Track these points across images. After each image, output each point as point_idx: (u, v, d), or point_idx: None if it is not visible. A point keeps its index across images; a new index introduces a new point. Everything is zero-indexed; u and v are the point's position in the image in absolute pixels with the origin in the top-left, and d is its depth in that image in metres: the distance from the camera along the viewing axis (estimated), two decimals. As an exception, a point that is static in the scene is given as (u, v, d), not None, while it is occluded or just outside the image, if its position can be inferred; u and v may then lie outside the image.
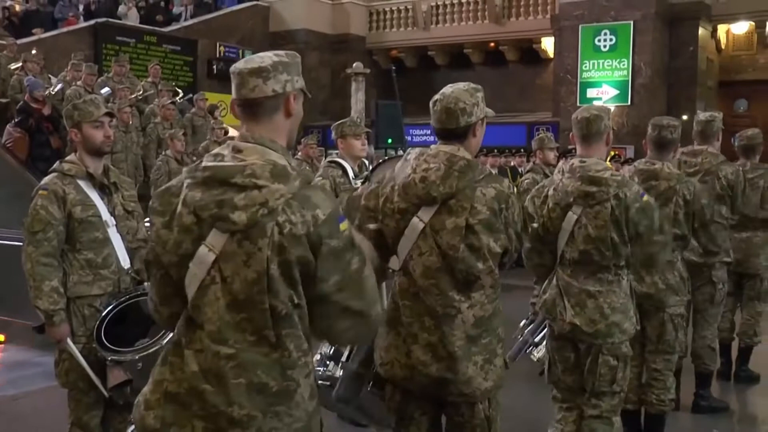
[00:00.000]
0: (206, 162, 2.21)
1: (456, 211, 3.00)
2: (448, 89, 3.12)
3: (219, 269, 2.14)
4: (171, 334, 2.34)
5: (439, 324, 3.02)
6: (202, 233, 2.15)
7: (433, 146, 3.13)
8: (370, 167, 5.91)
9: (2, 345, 7.52)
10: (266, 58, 2.29)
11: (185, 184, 2.20)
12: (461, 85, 3.14)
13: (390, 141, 15.39)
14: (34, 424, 5.48)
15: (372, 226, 3.14)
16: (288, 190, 2.13)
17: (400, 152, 13.91)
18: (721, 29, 21.02)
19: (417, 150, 3.17)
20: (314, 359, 3.27)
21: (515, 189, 3.14)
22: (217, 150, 2.25)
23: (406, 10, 24.36)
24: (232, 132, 12.48)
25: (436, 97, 3.12)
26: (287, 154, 2.26)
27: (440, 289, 3.03)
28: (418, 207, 3.05)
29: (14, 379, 6.66)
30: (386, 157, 6.64)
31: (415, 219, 3.05)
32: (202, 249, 2.14)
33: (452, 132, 3.08)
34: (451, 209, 3.01)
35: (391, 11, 24.76)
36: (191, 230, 2.16)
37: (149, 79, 13.80)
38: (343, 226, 2.20)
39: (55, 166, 4.06)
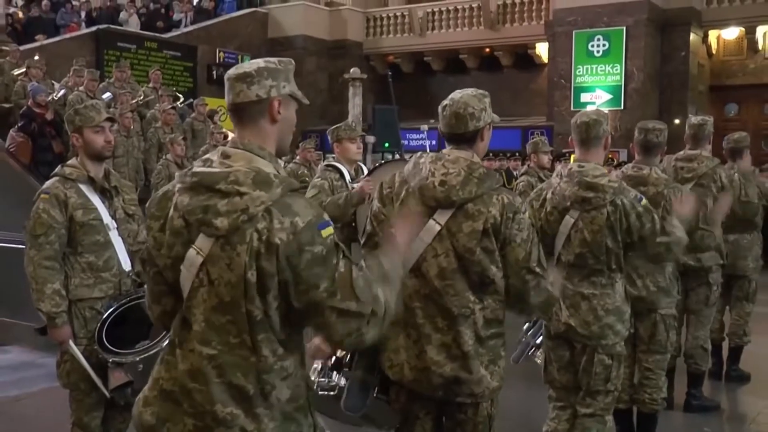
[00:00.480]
0: (195, 168, 2.26)
1: (473, 215, 3.02)
2: (456, 95, 3.16)
3: (207, 272, 2.18)
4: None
5: (453, 324, 3.04)
6: (191, 237, 2.20)
7: (447, 150, 3.16)
8: (366, 170, 6.13)
9: (8, 346, 7.62)
10: (254, 63, 2.32)
11: (176, 189, 2.26)
12: (469, 90, 3.18)
13: (387, 145, 15.62)
14: (36, 424, 5.55)
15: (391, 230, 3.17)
16: (269, 198, 2.15)
17: (397, 156, 14.15)
18: (712, 35, 21.22)
19: (431, 154, 3.19)
20: (315, 368, 3.31)
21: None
22: (207, 155, 2.31)
23: (402, 16, 24.56)
24: (232, 136, 12.69)
25: (445, 102, 3.15)
26: (275, 160, 2.29)
27: (456, 290, 3.05)
28: (434, 210, 3.07)
29: (17, 380, 6.76)
30: (383, 161, 6.75)
31: (431, 221, 3.06)
32: (191, 252, 2.19)
33: (461, 136, 3.12)
34: (469, 213, 3.03)
35: (388, 17, 24.94)
36: (181, 234, 2.22)
37: (150, 85, 14.00)
38: (326, 231, 2.19)
39: (56, 170, 4.11)
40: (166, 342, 2.33)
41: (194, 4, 23.06)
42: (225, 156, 2.24)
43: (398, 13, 24.77)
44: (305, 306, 2.19)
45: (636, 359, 4.77)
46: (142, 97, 13.11)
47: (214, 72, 21.35)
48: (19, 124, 11.34)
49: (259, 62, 2.33)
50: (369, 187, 5.27)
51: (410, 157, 3.33)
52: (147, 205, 2.38)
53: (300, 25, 23.83)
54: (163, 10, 22.36)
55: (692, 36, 19.97)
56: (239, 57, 21.71)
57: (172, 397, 2.25)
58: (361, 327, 2.22)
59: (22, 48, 15.20)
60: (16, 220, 6.89)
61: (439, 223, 3.06)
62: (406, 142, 17.96)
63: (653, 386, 4.73)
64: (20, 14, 18.60)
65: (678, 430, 5.58)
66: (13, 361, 7.32)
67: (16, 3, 20.00)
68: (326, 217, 2.24)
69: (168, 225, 2.25)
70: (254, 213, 2.14)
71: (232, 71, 2.33)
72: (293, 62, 2.43)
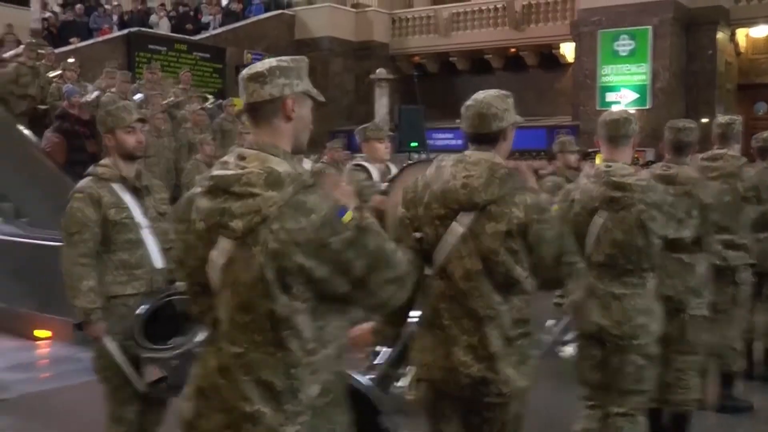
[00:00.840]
0: (213, 171, 2.28)
1: (496, 217, 3.00)
2: (480, 95, 3.15)
3: (228, 273, 2.22)
4: (203, 333, 2.45)
5: (479, 325, 3.03)
6: (212, 239, 2.24)
7: (468, 152, 3.15)
8: (395, 170, 6.23)
9: (48, 340, 7.82)
10: (266, 63, 2.34)
11: (198, 192, 2.31)
12: (492, 91, 3.17)
13: (413, 145, 15.71)
14: (75, 417, 5.69)
15: (416, 234, 3.14)
16: (281, 198, 2.16)
17: (423, 156, 14.25)
18: (740, 33, 21.14)
19: (453, 156, 3.18)
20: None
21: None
22: (225, 157, 2.33)
23: (428, 17, 24.72)
24: (248, 137, 12.81)
25: (469, 102, 3.15)
26: (290, 158, 2.28)
27: (481, 291, 3.04)
28: (457, 212, 3.06)
29: (58, 373, 6.96)
30: (410, 161, 6.80)
31: (454, 224, 3.05)
32: (213, 254, 2.23)
33: (484, 136, 3.11)
34: (492, 215, 3.01)
35: (413, 18, 25.11)
36: (203, 236, 2.26)
37: (180, 86, 14.11)
38: (347, 216, 2.21)
39: (90, 169, 4.15)
40: (199, 338, 2.40)
41: (222, 6, 23.31)
42: (240, 157, 2.26)
43: (423, 14, 24.92)
44: (352, 284, 2.24)
45: (667, 359, 4.61)
46: (172, 99, 13.24)
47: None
48: (55, 125, 11.51)
49: (272, 61, 2.35)
50: (382, 204, 5.17)
51: (435, 157, 3.37)
52: (173, 209, 2.44)
53: (326, 27, 24.01)
54: (192, 13, 22.62)
55: (719, 34, 19.93)
56: (266, 58, 21.85)
57: (204, 393, 2.30)
58: (399, 290, 2.33)
59: (56, 51, 15.44)
60: (53, 219, 7.10)
61: (463, 226, 3.05)
62: (431, 142, 18.03)
63: (684, 387, 4.65)
64: (55, 18, 18.87)
65: (710, 430, 5.49)
66: (55, 354, 7.51)
67: (51, 8, 20.34)
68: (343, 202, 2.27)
69: (192, 228, 2.30)
70: (267, 214, 2.15)
71: (245, 72, 2.36)
72: (307, 60, 2.45)
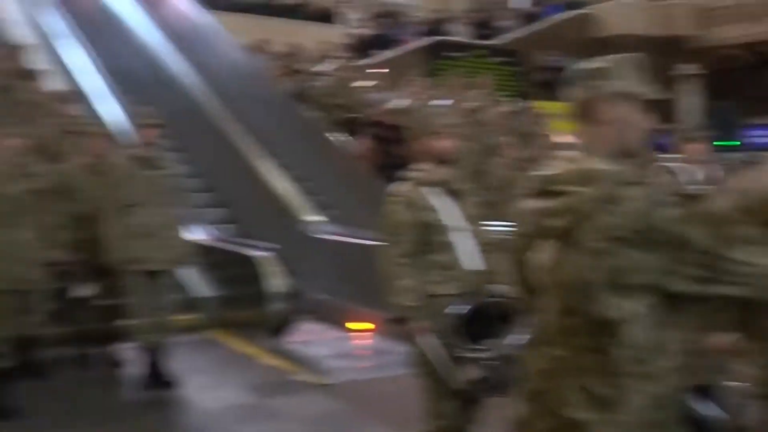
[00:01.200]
0: (535, 172, 2.29)
1: None
2: None
3: (553, 275, 2.20)
4: (515, 336, 2.50)
5: None
6: (537, 242, 2.25)
7: None
8: (707, 172, 5.96)
9: (370, 333, 8.30)
10: (584, 65, 2.34)
11: (522, 195, 2.32)
12: None
13: (728, 144, 14.78)
14: (393, 405, 5.87)
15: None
16: (598, 193, 2.09)
17: (745, 156, 13.31)
18: None
19: None
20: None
21: None
22: (547, 160, 2.33)
23: (737, 5, 23.06)
24: (561, 139, 12.81)
25: None
26: (611, 159, 2.21)
27: None
28: None
29: (378, 363, 7.42)
30: (737, 162, 6.45)
31: None
32: (537, 256, 2.23)
33: None
34: None
35: (720, 8, 23.55)
36: (529, 239, 2.28)
37: (481, 91, 14.41)
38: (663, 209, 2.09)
39: (403, 173, 4.30)
40: (511, 341, 2.38)
41: (519, 9, 23.48)
42: (560, 159, 2.28)
43: (732, 3, 23.26)
44: (698, 266, 2.05)
45: None
46: (474, 104, 13.55)
47: (541, 76, 21.49)
48: (367, 132, 12.37)
49: (590, 63, 2.35)
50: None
51: (750, 157, 3.11)
52: (485, 213, 2.47)
53: (625, 23, 23.10)
54: (489, 18, 23.03)
55: None
56: (564, 59, 21.69)
57: (529, 397, 2.29)
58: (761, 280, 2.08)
59: (363, 62, 16.57)
60: (366, 219, 7.56)
61: None
62: (748, 140, 16.88)
63: None
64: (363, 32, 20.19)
65: None
66: (377, 346, 7.98)
67: (358, 24, 21.76)
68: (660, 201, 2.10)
69: (519, 232, 2.35)
70: (585, 210, 2.09)
71: (565, 74, 2.38)
72: (633, 57, 2.39)
